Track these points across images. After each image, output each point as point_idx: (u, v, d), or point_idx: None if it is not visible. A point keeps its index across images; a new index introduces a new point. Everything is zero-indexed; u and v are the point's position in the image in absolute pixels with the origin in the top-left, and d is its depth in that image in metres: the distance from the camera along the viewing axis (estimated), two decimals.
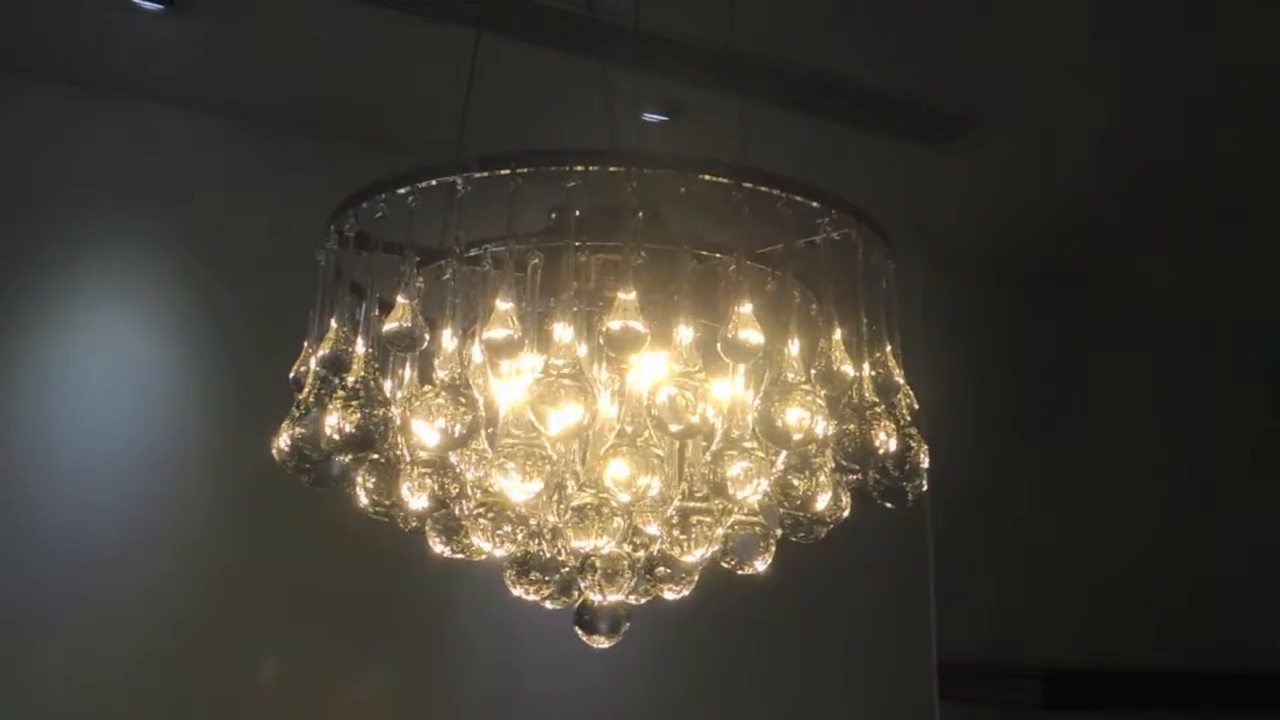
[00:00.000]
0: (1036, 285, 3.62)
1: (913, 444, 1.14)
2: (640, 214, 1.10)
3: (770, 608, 2.73)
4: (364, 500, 1.21)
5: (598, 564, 1.14)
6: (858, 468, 1.11)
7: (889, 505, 1.23)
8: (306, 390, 1.16)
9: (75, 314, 2.50)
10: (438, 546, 1.26)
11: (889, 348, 1.18)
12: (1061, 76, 2.49)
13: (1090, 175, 2.99)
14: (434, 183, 1.08)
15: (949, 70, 2.49)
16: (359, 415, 1.04)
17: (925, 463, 1.15)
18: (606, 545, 1.07)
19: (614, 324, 0.99)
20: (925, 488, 1.21)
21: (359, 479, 1.20)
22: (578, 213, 1.14)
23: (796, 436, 1.00)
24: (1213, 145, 2.79)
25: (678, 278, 1.05)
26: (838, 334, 1.08)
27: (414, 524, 1.28)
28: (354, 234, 1.11)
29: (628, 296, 1.00)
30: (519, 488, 1.02)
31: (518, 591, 1.25)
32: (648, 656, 2.68)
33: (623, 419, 1.05)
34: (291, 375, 1.22)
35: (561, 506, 1.12)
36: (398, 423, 1.07)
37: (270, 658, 2.49)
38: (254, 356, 2.53)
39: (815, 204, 1.11)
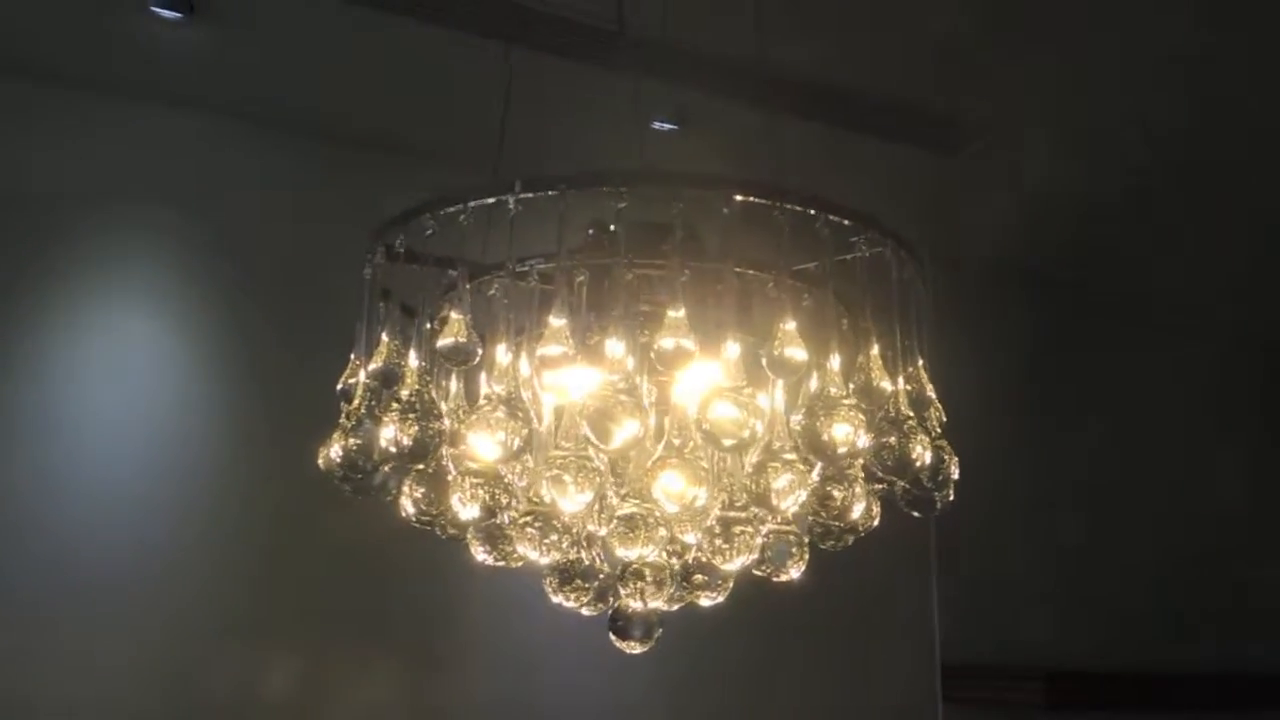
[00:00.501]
0: (1040, 285, 3.66)
1: (944, 456, 1.18)
2: (681, 232, 1.14)
3: (772, 610, 2.67)
4: (409, 509, 1.25)
5: (647, 573, 1.17)
6: (893, 479, 1.14)
7: (916, 514, 1.28)
8: (357, 402, 1.20)
9: (104, 316, 2.52)
10: (480, 554, 1.29)
11: (920, 362, 1.22)
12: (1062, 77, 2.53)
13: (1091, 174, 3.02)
14: (489, 201, 1.11)
15: (952, 76, 2.52)
16: (416, 428, 1.07)
17: (956, 474, 1.19)
18: (651, 554, 1.11)
19: (666, 341, 1.02)
20: (952, 497, 1.25)
21: (407, 489, 1.23)
22: (613, 228, 1.19)
23: (841, 450, 1.03)
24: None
25: (722, 294, 1.08)
26: (875, 349, 1.12)
27: (452, 531, 1.31)
28: (403, 249, 1.14)
29: (677, 314, 1.04)
30: (571, 498, 1.06)
31: (558, 599, 1.29)
32: (651, 659, 2.68)
33: (670, 432, 1.08)
34: (340, 387, 1.25)
35: (604, 516, 1.15)
36: (449, 435, 1.11)
37: (284, 668, 2.52)
38: (280, 364, 2.59)
39: (852, 224, 1.15)
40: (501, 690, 2.65)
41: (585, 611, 1.33)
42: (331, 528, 2.32)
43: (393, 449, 1.06)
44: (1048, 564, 3.43)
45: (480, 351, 1.10)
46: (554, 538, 1.15)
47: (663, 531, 1.10)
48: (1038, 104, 2.66)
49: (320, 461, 1.25)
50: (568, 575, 1.25)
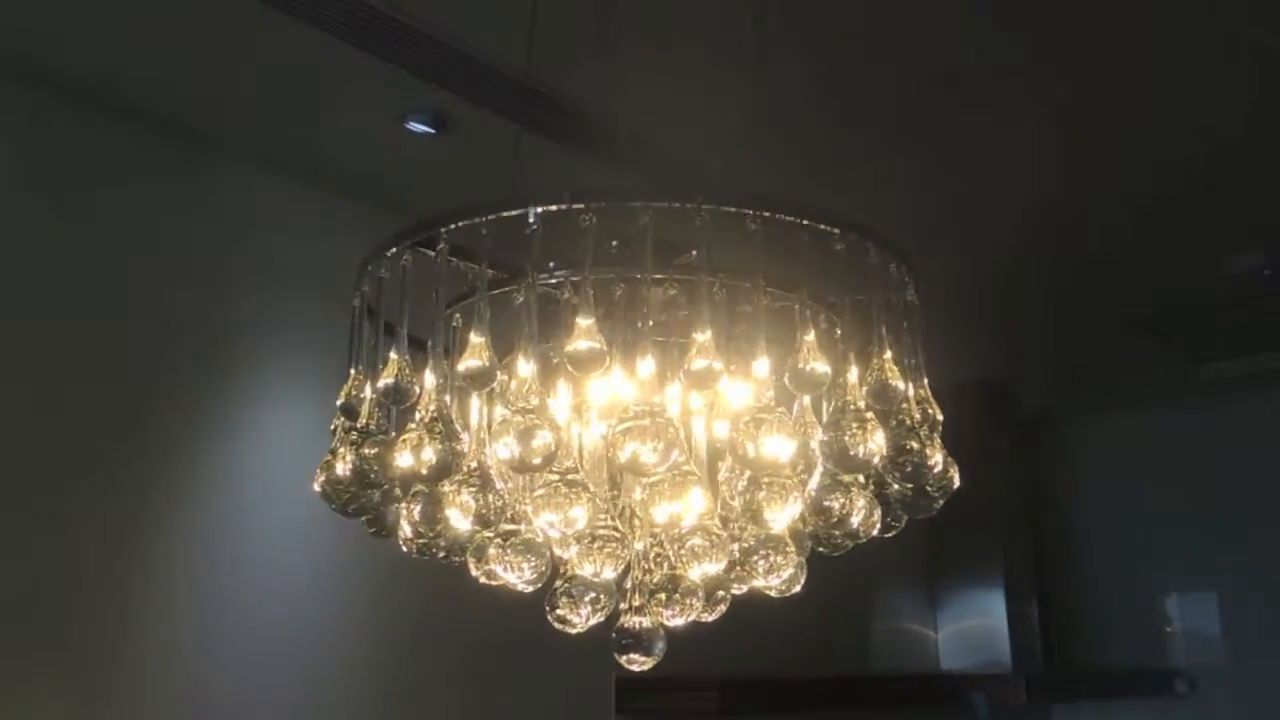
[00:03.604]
0: None
1: (948, 460, 1.21)
2: (694, 251, 1.14)
3: (457, 624, 2.69)
4: (407, 532, 1.22)
5: (676, 588, 1.18)
6: (909, 485, 1.17)
7: (907, 516, 1.31)
8: (364, 418, 1.17)
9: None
10: (476, 574, 1.28)
11: (914, 361, 1.24)
12: None
13: None
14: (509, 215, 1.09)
15: None
16: (441, 446, 1.05)
17: (957, 481, 1.22)
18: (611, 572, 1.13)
19: (698, 364, 1.03)
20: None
21: (404, 511, 1.21)
22: (614, 244, 1.19)
23: (874, 461, 1.06)
24: None
25: (752, 314, 1.09)
26: (889, 354, 1.14)
27: (455, 558, 1.29)
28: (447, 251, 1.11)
29: (704, 337, 1.04)
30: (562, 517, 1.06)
31: (560, 612, 1.28)
32: (334, 671, 2.61)
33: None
34: (341, 402, 1.22)
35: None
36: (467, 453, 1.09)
37: None
38: None
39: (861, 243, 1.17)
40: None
41: (575, 627, 1.32)
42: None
43: (423, 471, 1.04)
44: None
45: (499, 374, 1.09)
46: (533, 560, 1.15)
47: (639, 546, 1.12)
48: None
49: (318, 485, 1.22)
50: (570, 592, 1.23)
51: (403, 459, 1.06)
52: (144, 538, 2.33)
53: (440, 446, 1.04)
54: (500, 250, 1.19)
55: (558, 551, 1.21)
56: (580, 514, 1.05)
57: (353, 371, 1.23)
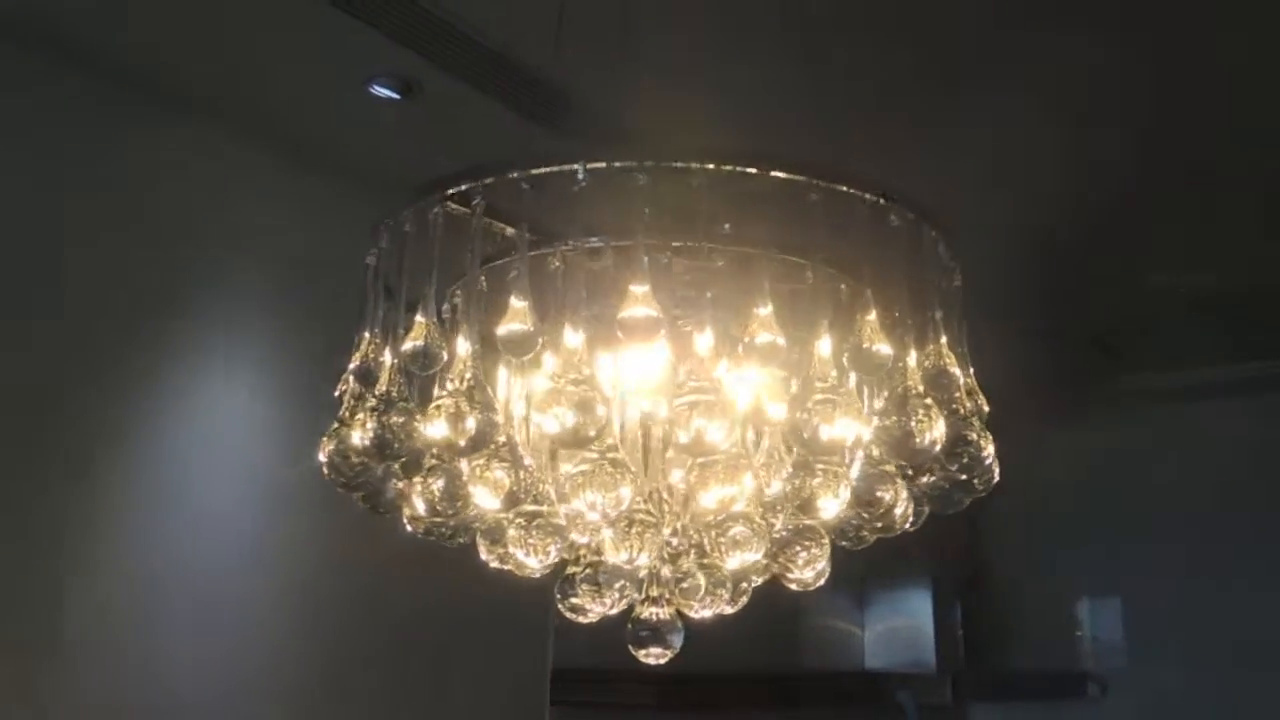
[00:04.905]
0: None
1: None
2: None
3: (391, 614, 2.65)
4: (420, 509, 1.13)
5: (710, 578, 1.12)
6: (963, 476, 1.13)
7: (935, 510, 1.27)
8: (389, 385, 1.08)
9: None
10: (487, 556, 1.21)
11: (961, 350, 1.20)
12: None
13: None
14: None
15: None
16: (481, 415, 0.97)
17: (997, 476, 1.19)
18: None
19: (763, 338, 0.97)
20: None
21: (419, 488, 1.12)
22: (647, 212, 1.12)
23: (935, 450, 1.01)
24: None
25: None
26: (944, 339, 1.10)
27: (461, 539, 1.22)
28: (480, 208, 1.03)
29: (766, 311, 0.99)
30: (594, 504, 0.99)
31: (576, 601, 1.21)
32: (267, 668, 2.47)
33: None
34: (356, 365, 1.12)
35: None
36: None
37: None
38: None
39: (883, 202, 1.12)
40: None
41: (590, 616, 1.26)
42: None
43: (462, 441, 0.95)
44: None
45: (541, 340, 1.01)
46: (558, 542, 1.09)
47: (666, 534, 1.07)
48: None
49: (324, 455, 1.12)
50: (594, 579, 1.16)
51: (436, 429, 0.97)
52: (72, 516, 2.17)
53: (481, 416, 0.96)
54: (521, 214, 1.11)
55: (576, 537, 1.14)
56: (626, 494, 0.99)
57: (367, 335, 1.13)
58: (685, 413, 0.94)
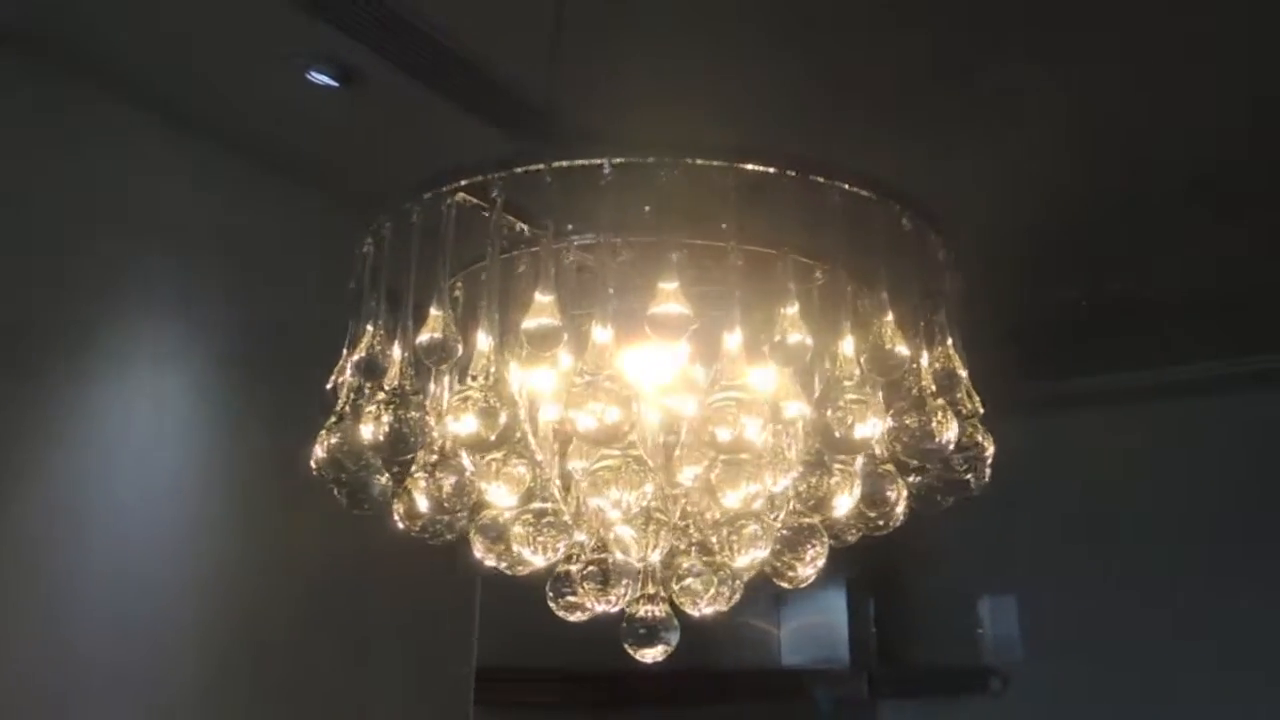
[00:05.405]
0: None
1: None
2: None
3: (314, 612, 2.61)
4: (424, 505, 1.11)
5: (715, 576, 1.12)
6: (965, 472, 1.15)
7: (919, 510, 1.29)
8: (400, 379, 1.04)
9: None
10: (482, 555, 1.18)
11: (950, 341, 1.22)
12: None
13: None
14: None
15: None
16: (509, 411, 0.95)
17: (988, 476, 1.21)
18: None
19: (793, 338, 0.97)
20: None
21: (424, 483, 1.09)
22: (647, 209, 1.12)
23: (949, 450, 1.03)
24: None
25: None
26: (950, 340, 1.12)
27: (449, 536, 1.19)
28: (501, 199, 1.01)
29: (792, 310, 0.99)
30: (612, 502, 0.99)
31: (573, 599, 1.20)
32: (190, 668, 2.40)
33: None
34: (361, 357, 1.09)
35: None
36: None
37: None
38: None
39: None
40: None
41: (586, 613, 1.25)
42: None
43: (491, 436, 0.93)
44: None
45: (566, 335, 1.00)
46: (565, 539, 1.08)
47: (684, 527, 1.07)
48: None
49: (323, 451, 1.09)
50: (604, 577, 1.15)
51: (463, 424, 0.95)
52: None
53: (511, 411, 0.95)
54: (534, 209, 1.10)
55: (579, 536, 1.13)
56: (649, 491, 0.98)
57: (369, 327, 1.10)
58: (727, 411, 0.93)
